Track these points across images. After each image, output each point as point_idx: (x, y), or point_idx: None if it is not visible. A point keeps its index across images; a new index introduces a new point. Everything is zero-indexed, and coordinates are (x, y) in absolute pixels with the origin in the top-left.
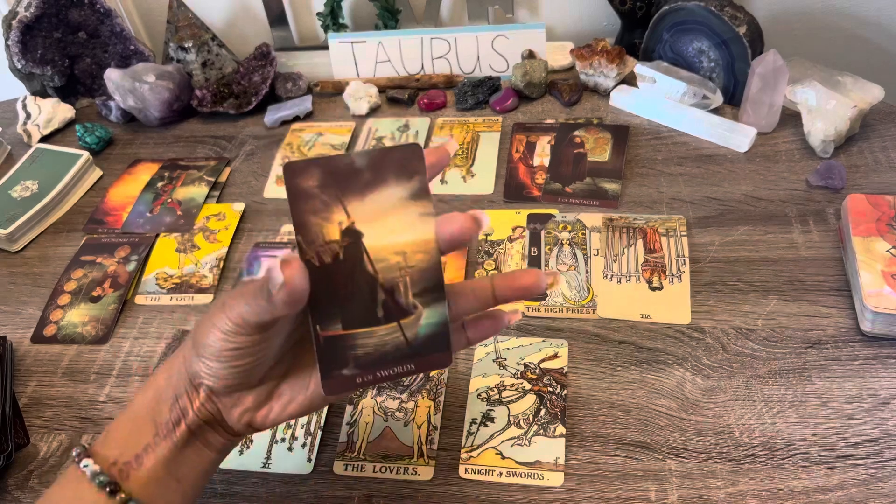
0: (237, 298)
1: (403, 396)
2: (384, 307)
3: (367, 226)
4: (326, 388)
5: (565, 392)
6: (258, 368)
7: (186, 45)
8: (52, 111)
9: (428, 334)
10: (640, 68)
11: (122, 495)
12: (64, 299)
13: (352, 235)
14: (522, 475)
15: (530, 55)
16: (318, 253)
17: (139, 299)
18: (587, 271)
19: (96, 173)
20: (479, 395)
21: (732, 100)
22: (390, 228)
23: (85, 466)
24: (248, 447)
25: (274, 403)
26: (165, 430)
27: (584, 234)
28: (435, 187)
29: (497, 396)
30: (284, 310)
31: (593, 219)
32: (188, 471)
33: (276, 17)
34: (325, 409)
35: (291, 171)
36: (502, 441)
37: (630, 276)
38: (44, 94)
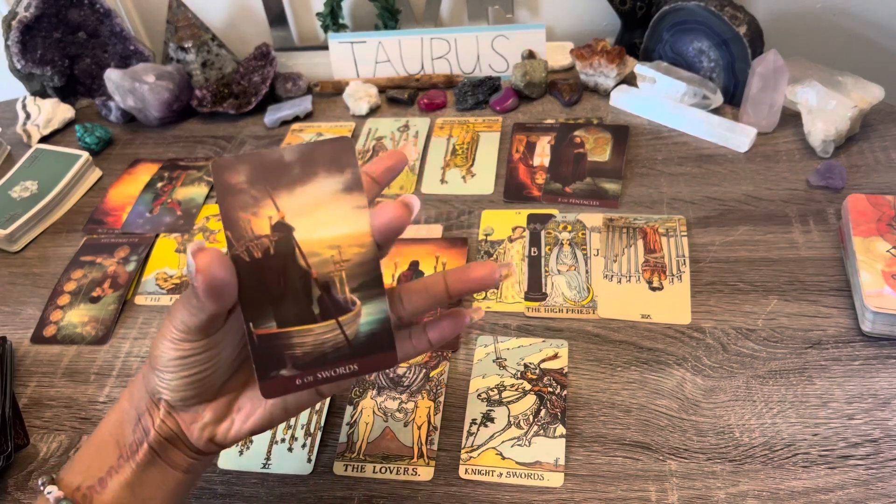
0: (178, 305)
1: (403, 397)
2: (320, 303)
3: (298, 220)
4: (264, 391)
5: (565, 392)
6: (212, 378)
7: (186, 46)
8: (52, 111)
9: (370, 332)
10: (640, 68)
11: None
12: (63, 300)
13: (282, 230)
14: (522, 476)
15: (530, 55)
16: (247, 248)
17: (139, 299)
18: (587, 271)
19: (96, 173)
20: (479, 395)
21: (732, 100)
22: (322, 222)
23: (49, 493)
24: (248, 448)
25: (234, 417)
26: (129, 451)
27: (584, 234)
28: (435, 187)
29: (497, 397)
30: (212, 303)
31: (593, 219)
32: (154, 492)
33: (276, 17)
34: (326, 409)
35: (219, 168)
36: (502, 441)
37: (630, 277)
38: (43, 95)
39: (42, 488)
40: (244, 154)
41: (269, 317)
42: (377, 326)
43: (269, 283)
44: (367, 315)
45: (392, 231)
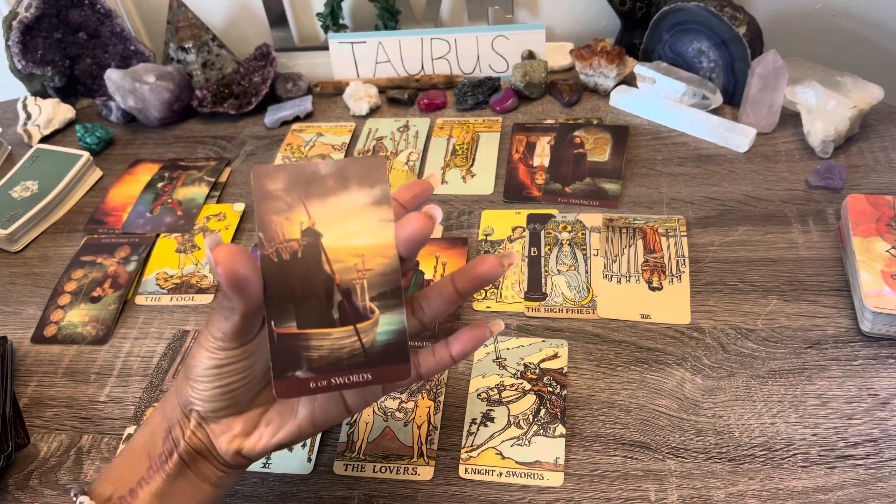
0: (213, 313)
1: (403, 396)
2: (340, 309)
3: (327, 227)
4: (279, 390)
5: (565, 392)
6: (244, 390)
7: (186, 46)
8: (53, 111)
9: (385, 342)
10: (640, 69)
11: None
12: (64, 299)
13: (311, 235)
14: (522, 475)
15: (530, 55)
16: (276, 250)
17: (139, 299)
18: (587, 271)
19: (96, 174)
20: (478, 395)
21: (732, 100)
22: (350, 232)
23: (81, 503)
24: None
25: (263, 430)
26: (159, 462)
27: (583, 234)
28: (435, 188)
29: (497, 396)
30: (239, 298)
31: (593, 219)
32: (183, 503)
33: (277, 18)
34: None
35: (259, 175)
36: (502, 441)
37: (630, 277)
38: (44, 95)
39: (74, 499)
40: (284, 164)
41: (290, 317)
42: (393, 337)
43: (293, 285)
44: (384, 325)
45: (417, 241)
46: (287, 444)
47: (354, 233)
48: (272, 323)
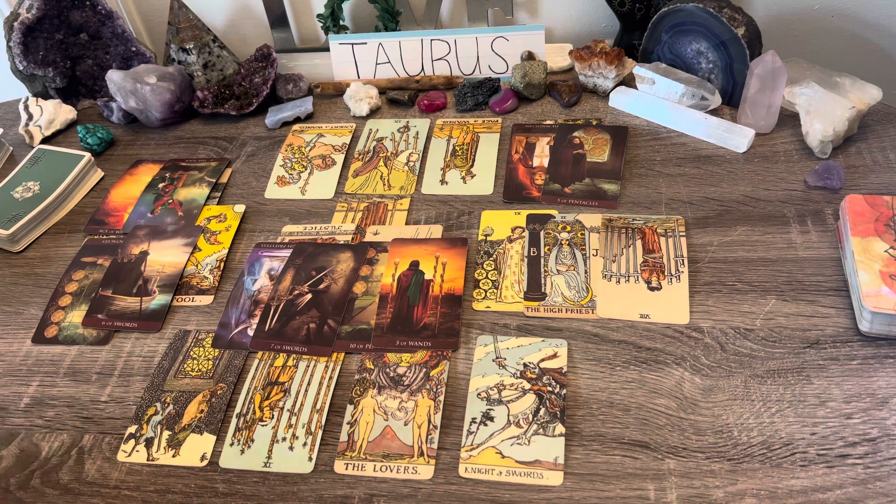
0: None
1: (404, 396)
2: None
3: None
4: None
5: (564, 391)
6: None
7: (188, 47)
8: (54, 112)
9: None
10: (639, 70)
11: None
12: (65, 300)
13: None
14: (522, 474)
15: (530, 56)
16: None
17: None
18: (586, 271)
19: (98, 174)
20: (478, 394)
21: (731, 101)
22: None
23: None
24: (249, 447)
25: None
26: None
27: (583, 234)
28: (435, 188)
29: (497, 396)
30: None
31: (592, 219)
32: None
33: (277, 19)
34: (327, 408)
35: None
36: (502, 440)
37: (629, 277)
38: (45, 96)
39: None
40: None
41: None
42: None
43: None
44: None
45: None
46: None
47: None
48: None
